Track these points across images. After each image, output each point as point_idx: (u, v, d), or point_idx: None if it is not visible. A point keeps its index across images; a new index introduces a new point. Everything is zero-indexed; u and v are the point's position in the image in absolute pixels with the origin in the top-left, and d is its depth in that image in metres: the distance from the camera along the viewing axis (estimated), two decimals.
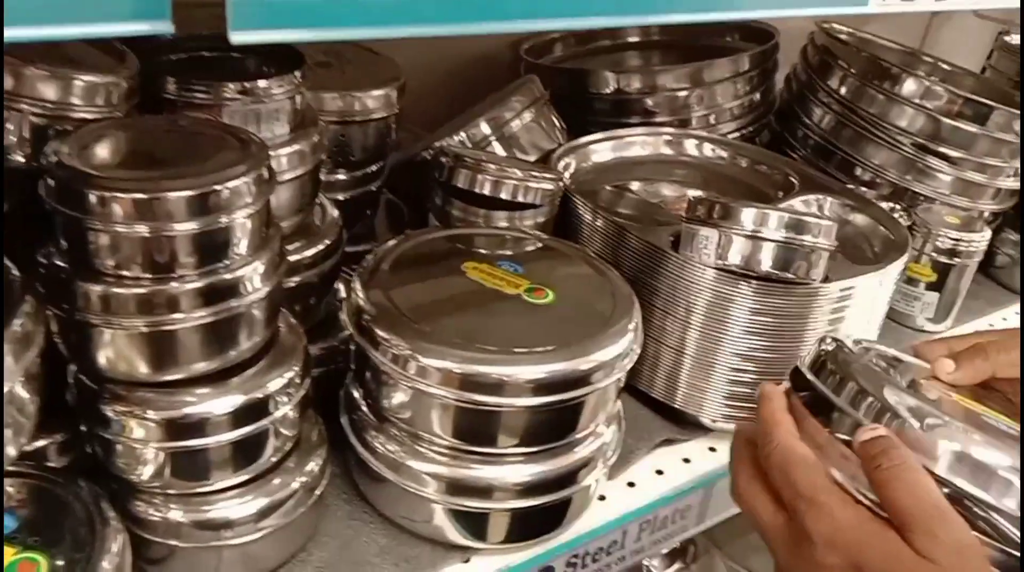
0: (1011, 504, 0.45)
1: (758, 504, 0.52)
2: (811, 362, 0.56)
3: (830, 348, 0.56)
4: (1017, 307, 1.27)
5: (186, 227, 0.55)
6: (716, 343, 0.84)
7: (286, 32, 0.40)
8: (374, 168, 0.92)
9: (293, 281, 0.75)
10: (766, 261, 0.79)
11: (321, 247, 0.77)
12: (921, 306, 1.13)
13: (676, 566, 1.10)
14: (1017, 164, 1.13)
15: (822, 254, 0.81)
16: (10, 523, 0.59)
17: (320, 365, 0.80)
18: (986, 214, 1.18)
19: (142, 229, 0.54)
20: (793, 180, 1.05)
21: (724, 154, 1.11)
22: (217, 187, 0.55)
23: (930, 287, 1.12)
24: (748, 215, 0.79)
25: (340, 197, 0.89)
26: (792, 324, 0.83)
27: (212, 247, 0.57)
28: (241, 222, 0.57)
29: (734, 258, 0.80)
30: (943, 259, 1.10)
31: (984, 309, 1.23)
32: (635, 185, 1.04)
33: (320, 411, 0.75)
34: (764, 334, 0.83)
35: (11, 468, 0.63)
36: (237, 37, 0.38)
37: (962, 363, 0.60)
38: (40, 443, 0.66)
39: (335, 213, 0.82)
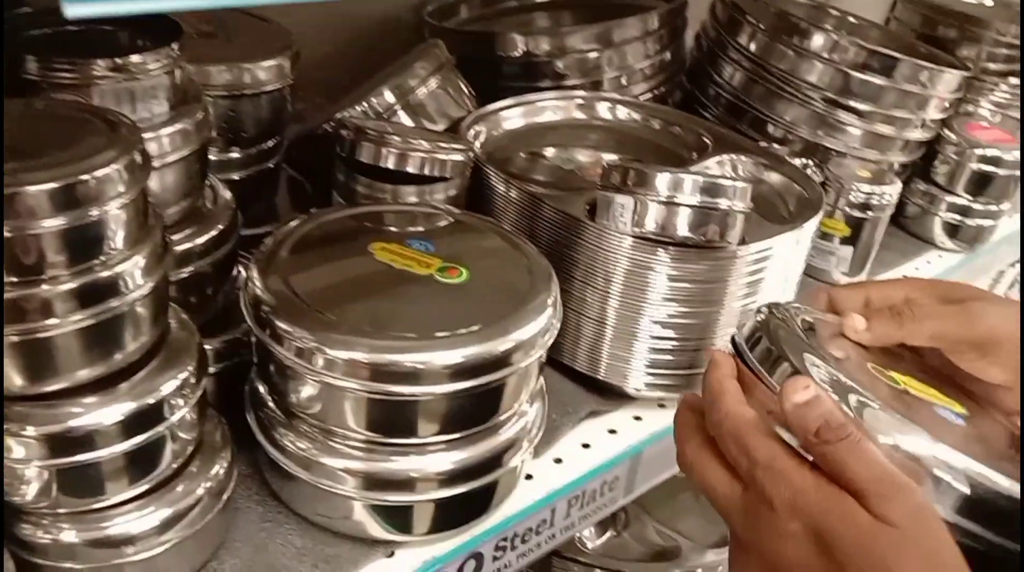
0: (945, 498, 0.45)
1: (710, 473, 0.49)
2: (747, 333, 0.55)
3: (762, 317, 0.55)
4: (929, 256, 1.30)
5: (52, 223, 0.49)
6: (636, 312, 0.82)
7: (130, 3, 0.34)
8: (270, 144, 0.87)
9: (185, 272, 0.70)
10: (682, 226, 0.77)
11: (213, 233, 0.72)
12: (836, 260, 1.14)
13: (608, 535, 1.10)
14: (925, 115, 1.15)
15: (738, 217, 0.79)
16: None
17: (223, 360, 0.75)
18: (896, 166, 1.19)
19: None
20: (706, 140, 1.04)
21: (637, 116, 1.08)
22: (84, 177, 0.49)
23: (844, 241, 1.12)
24: (663, 181, 0.76)
25: (235, 177, 0.83)
26: (711, 288, 0.82)
27: (84, 243, 0.51)
28: (114, 214, 0.52)
29: (650, 225, 0.78)
30: (856, 213, 1.10)
31: (898, 260, 1.26)
32: (549, 151, 1.01)
33: (224, 408, 0.70)
34: (684, 300, 0.81)
35: None
36: (73, 10, 0.32)
37: (873, 324, 0.59)
38: None
39: (227, 195, 0.76)
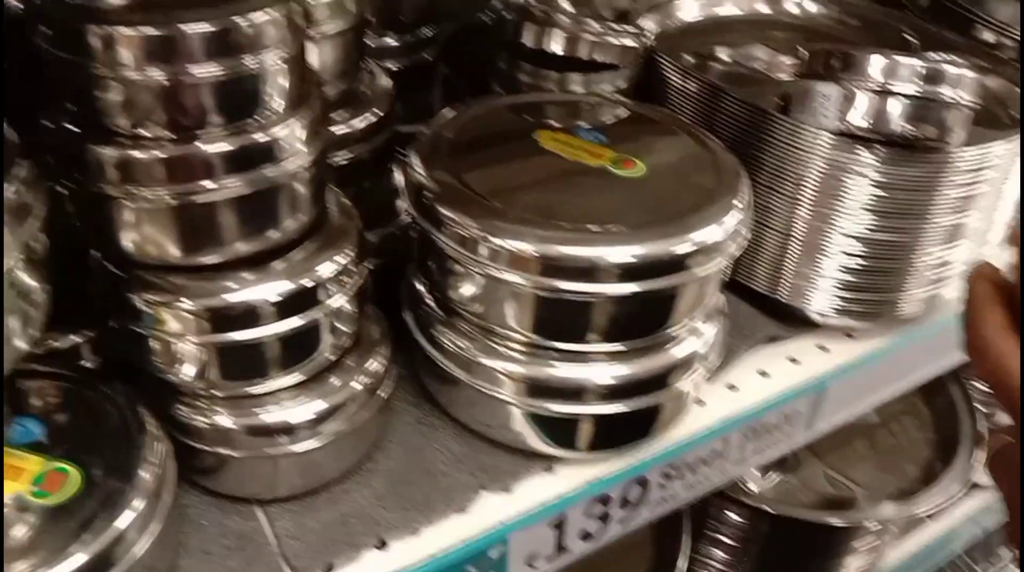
0: None
1: (1012, 362, 0.38)
2: None
3: None
4: None
5: (207, 71, 0.45)
6: (829, 223, 0.72)
7: None
8: (428, 33, 0.81)
9: (341, 157, 0.65)
10: (896, 120, 0.66)
11: (371, 118, 0.67)
12: None
13: (773, 478, 1.01)
14: None
15: (963, 111, 0.67)
16: (37, 430, 0.52)
17: (378, 256, 0.71)
18: None
19: (157, 73, 0.44)
20: (912, 39, 0.91)
21: (831, 12, 0.96)
22: (240, 21, 0.45)
23: None
24: (876, 65, 0.66)
25: (391, 66, 0.78)
26: (919, 198, 0.71)
27: (240, 98, 0.47)
28: (271, 67, 0.47)
29: (857, 118, 0.67)
30: None
31: None
32: (728, 47, 0.90)
33: (381, 307, 0.66)
34: (885, 212, 0.71)
35: (39, 368, 0.56)
36: None
37: None
38: (73, 341, 0.59)
39: (386, 81, 0.72)
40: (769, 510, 0.94)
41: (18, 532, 0.47)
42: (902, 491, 1.02)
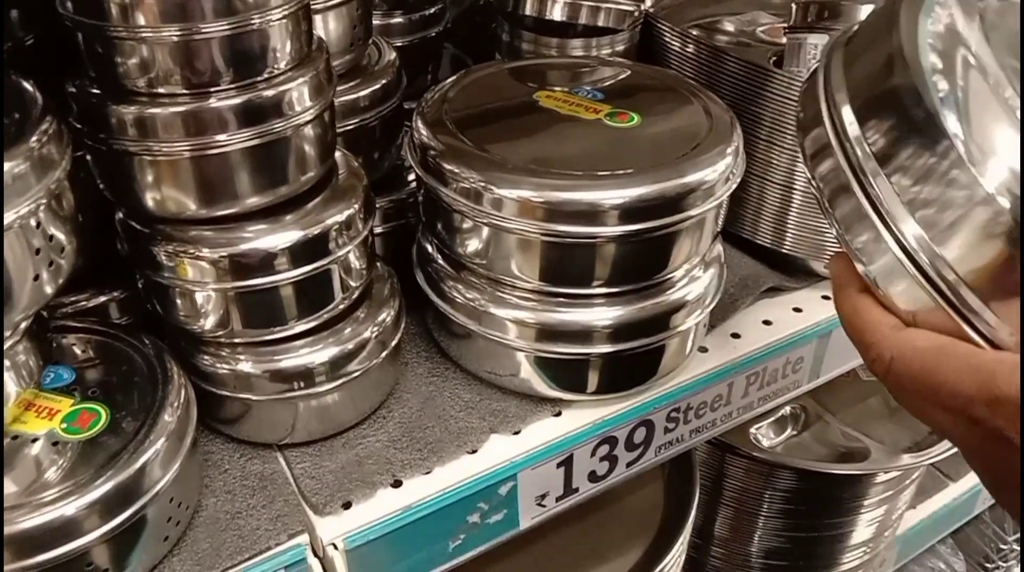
0: None
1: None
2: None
3: None
4: None
5: (215, 28, 0.48)
6: None
7: None
8: (433, 10, 0.84)
9: (350, 124, 0.69)
10: None
11: (377, 87, 0.70)
12: None
13: (787, 433, 1.03)
14: None
15: None
16: (67, 377, 0.56)
17: (388, 221, 0.74)
18: None
19: (170, 32, 0.48)
20: None
21: None
22: None
23: None
24: (864, 13, 0.67)
25: (398, 43, 0.81)
26: None
27: (248, 54, 0.51)
28: (276, 24, 0.51)
29: None
30: None
31: None
32: (727, 15, 0.92)
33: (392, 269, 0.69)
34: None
35: (70, 323, 0.60)
36: None
37: None
38: (101, 299, 0.63)
39: (392, 54, 0.75)
40: (783, 463, 0.95)
41: (51, 463, 0.50)
42: (917, 444, 1.03)
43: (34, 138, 0.45)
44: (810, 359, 0.79)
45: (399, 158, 0.79)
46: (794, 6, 0.72)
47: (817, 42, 0.69)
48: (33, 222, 0.45)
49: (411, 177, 0.79)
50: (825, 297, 0.80)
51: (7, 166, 0.43)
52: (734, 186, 0.63)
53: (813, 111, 0.44)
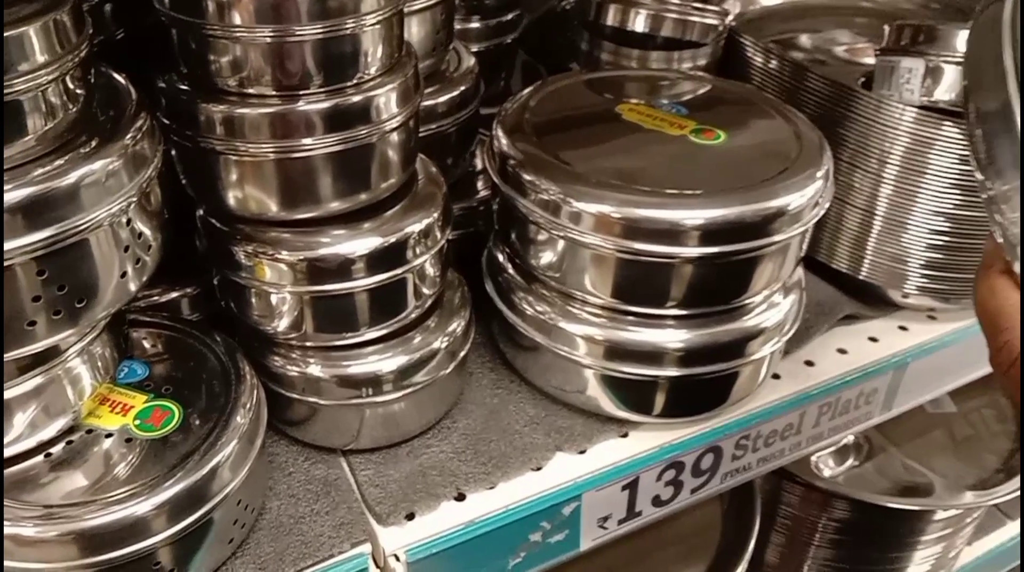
0: None
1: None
2: None
3: None
4: None
5: (310, 31, 0.48)
6: (912, 200, 0.71)
7: None
8: (510, 17, 0.83)
9: (428, 129, 0.68)
10: None
11: (455, 94, 0.70)
12: None
13: (848, 462, 1.00)
14: None
15: None
16: (141, 372, 0.56)
17: (456, 228, 0.73)
18: None
19: (264, 32, 0.47)
20: None
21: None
22: None
23: None
24: (962, 38, 0.65)
25: (474, 48, 0.80)
26: None
27: (338, 58, 0.50)
28: (369, 30, 0.50)
29: (943, 92, 0.67)
30: None
31: None
32: (810, 32, 0.90)
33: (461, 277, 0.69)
34: (972, 187, 0.70)
35: (144, 318, 0.60)
36: None
37: None
38: (173, 295, 0.63)
39: (471, 60, 0.74)
40: (843, 493, 0.93)
41: (122, 459, 0.50)
42: (982, 481, 0.99)
43: (128, 135, 0.45)
44: (884, 391, 0.76)
45: (471, 165, 0.78)
46: (887, 28, 0.69)
47: (911, 66, 0.67)
48: (124, 219, 0.45)
49: (481, 184, 0.78)
50: (902, 327, 0.78)
51: (102, 163, 0.43)
52: (822, 212, 0.61)
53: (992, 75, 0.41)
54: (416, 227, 0.57)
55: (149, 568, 0.49)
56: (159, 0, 0.50)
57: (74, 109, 0.44)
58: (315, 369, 0.58)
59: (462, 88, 0.70)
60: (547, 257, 0.62)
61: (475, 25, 0.82)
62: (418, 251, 0.58)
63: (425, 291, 0.60)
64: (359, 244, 0.55)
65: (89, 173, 0.43)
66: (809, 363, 0.73)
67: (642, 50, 0.76)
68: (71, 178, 0.43)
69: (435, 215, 0.59)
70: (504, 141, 0.63)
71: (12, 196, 0.41)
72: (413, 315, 0.60)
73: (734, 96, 0.70)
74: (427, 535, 0.57)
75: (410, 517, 0.58)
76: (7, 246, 0.41)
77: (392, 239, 0.56)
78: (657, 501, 0.66)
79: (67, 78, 0.43)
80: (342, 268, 0.55)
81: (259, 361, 0.59)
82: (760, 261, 0.60)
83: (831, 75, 0.72)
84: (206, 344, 0.58)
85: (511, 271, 0.66)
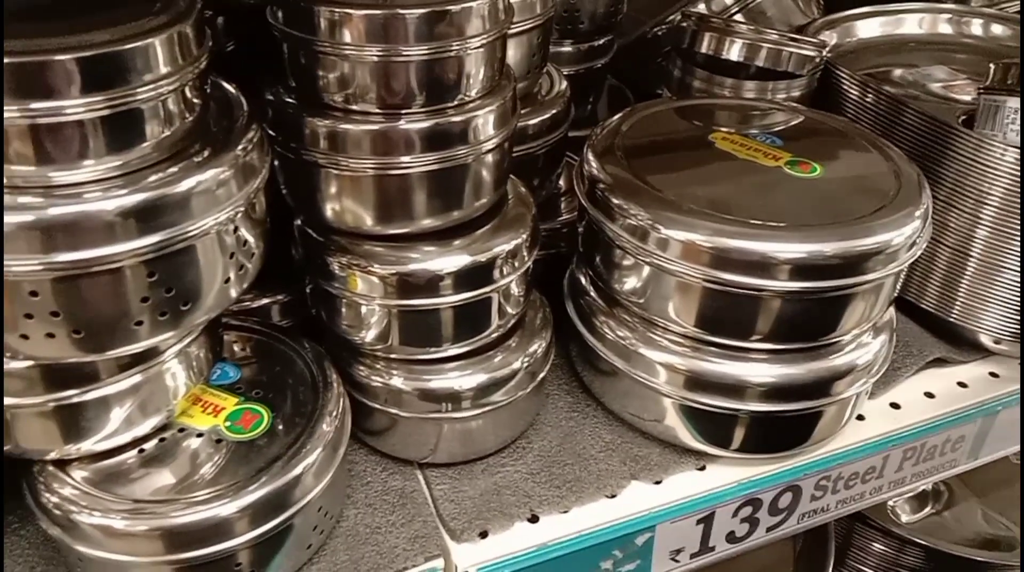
0: None
1: None
2: None
3: None
4: None
5: (416, 51, 0.49)
6: (1009, 242, 0.69)
7: None
8: (602, 41, 0.84)
9: (517, 151, 0.68)
10: None
11: (547, 117, 0.70)
12: None
13: (926, 510, 0.96)
14: None
15: None
16: (232, 374, 0.57)
17: (541, 248, 0.74)
18: None
19: (372, 51, 0.48)
20: None
21: (1016, 34, 0.92)
22: (452, 8, 0.49)
23: None
24: None
25: (565, 71, 0.81)
26: None
27: (442, 79, 0.51)
28: (474, 53, 0.51)
29: None
30: None
31: None
32: (906, 67, 0.88)
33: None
34: None
35: (235, 322, 0.61)
36: None
37: None
38: (264, 301, 0.65)
39: (563, 84, 0.74)
40: (920, 541, 0.89)
41: (209, 460, 0.51)
42: None
43: (240, 146, 0.47)
44: (971, 439, 0.73)
45: (556, 186, 0.78)
46: (992, 66, 0.68)
47: (1016, 105, 0.65)
48: (231, 227, 0.47)
49: (565, 206, 0.78)
50: (993, 374, 0.75)
51: (213, 172, 0.45)
52: (919, 252, 0.60)
53: None
54: (505, 247, 0.58)
55: (230, 568, 0.51)
56: (273, 15, 0.52)
57: (190, 118, 0.46)
58: (398, 381, 0.59)
59: (553, 111, 0.71)
60: (631, 282, 0.61)
61: (567, 49, 0.83)
62: (505, 271, 0.58)
63: (509, 310, 0.61)
64: (449, 261, 0.55)
65: (201, 181, 0.45)
66: (895, 405, 0.71)
67: (735, 79, 0.76)
68: (184, 186, 0.44)
69: (523, 236, 0.59)
70: (594, 165, 0.63)
71: (128, 201, 0.43)
72: (496, 334, 0.60)
73: (829, 129, 0.69)
74: (500, 554, 0.57)
75: (483, 535, 0.58)
76: (120, 248, 0.43)
77: (481, 258, 0.56)
78: (731, 537, 0.65)
79: (186, 88, 0.45)
80: (431, 284, 0.55)
81: (343, 369, 0.60)
82: (852, 299, 0.59)
83: (930, 111, 0.70)
84: (295, 350, 0.60)
85: (593, 294, 0.66)
